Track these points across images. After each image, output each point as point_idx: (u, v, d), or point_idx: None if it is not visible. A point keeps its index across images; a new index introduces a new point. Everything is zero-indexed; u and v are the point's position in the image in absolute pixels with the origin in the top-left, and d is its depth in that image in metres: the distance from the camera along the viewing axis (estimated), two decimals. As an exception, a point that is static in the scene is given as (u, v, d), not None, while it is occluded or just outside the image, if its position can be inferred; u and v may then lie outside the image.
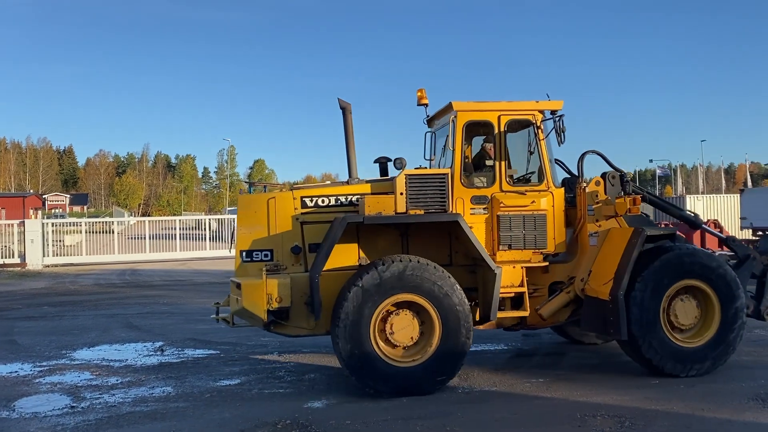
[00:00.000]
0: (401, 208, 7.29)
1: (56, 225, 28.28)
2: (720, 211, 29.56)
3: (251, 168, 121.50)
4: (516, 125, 7.99)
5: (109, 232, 29.86)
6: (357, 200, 7.51)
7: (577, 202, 7.98)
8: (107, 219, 35.09)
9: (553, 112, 7.83)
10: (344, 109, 8.06)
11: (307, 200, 7.56)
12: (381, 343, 6.87)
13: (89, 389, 7.49)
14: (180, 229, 28.77)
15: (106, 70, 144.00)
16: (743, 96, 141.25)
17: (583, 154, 8.27)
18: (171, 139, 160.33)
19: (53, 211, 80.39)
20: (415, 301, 6.89)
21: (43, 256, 25.68)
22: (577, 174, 8.19)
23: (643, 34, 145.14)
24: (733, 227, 26.15)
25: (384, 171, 8.14)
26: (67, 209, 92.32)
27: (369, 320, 6.76)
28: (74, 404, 6.89)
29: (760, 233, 20.23)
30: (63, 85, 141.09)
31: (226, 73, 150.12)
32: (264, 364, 8.61)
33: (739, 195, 27.80)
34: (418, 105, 8.48)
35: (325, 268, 7.14)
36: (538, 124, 7.82)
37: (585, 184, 8.01)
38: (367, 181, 7.80)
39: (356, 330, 6.73)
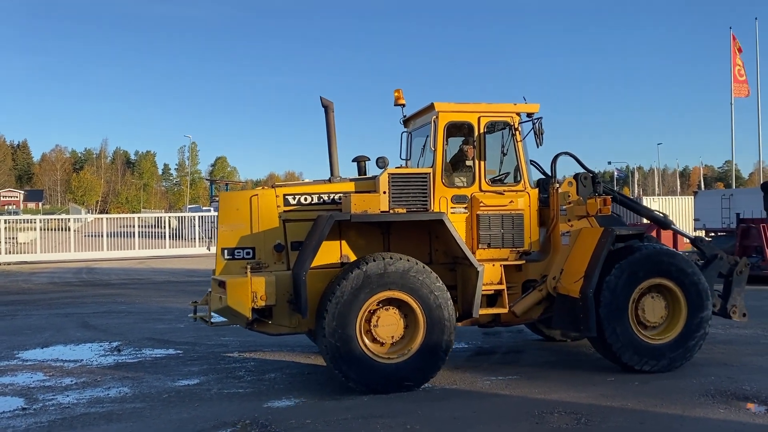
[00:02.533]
0: (384, 207, 7.37)
1: (9, 222, 27.47)
2: (675, 212, 30.35)
3: (213, 165, 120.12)
4: (494, 127, 8.13)
5: (66, 230, 29.16)
6: (340, 198, 7.56)
7: (551, 203, 8.18)
8: (63, 216, 34.24)
9: (529, 115, 8.04)
10: (326, 108, 8.05)
11: (290, 198, 7.58)
12: (366, 340, 6.92)
13: (42, 390, 7.30)
14: (139, 226, 28.25)
15: (64, 62, 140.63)
16: (698, 100, 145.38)
17: (557, 156, 8.49)
18: (130, 135, 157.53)
19: (6, 207, 78.04)
20: (405, 300, 6.96)
21: (-5, 253, 24.91)
22: (550, 175, 8.40)
23: (602, 33, 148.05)
24: (687, 228, 26.86)
25: (362, 170, 8.16)
26: (21, 206, 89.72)
27: (358, 312, 6.81)
28: (26, 406, 6.71)
29: (713, 234, 20.82)
30: (17, 76, 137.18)
31: (188, 68, 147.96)
32: (224, 364, 8.52)
33: (693, 197, 28.60)
34: (395, 105, 8.55)
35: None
36: (516, 126, 8.00)
37: (558, 185, 8.20)
38: (351, 180, 7.83)
39: (344, 320, 6.76)
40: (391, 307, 7.02)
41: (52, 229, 28.77)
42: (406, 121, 8.90)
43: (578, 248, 7.84)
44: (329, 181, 7.87)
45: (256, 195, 7.55)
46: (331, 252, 7.49)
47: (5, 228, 26.07)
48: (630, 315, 7.54)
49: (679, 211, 30.69)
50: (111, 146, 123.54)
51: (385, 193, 7.41)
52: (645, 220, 9.69)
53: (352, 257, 7.47)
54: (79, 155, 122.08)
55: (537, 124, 7.83)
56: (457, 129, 8.08)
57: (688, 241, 9.32)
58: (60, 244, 27.26)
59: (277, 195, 7.56)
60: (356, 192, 7.52)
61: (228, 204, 7.58)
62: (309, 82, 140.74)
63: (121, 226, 30.80)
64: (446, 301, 7.07)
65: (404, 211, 7.39)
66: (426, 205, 7.50)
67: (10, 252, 25.99)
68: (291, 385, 7.42)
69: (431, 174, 7.61)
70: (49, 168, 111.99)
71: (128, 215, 32.44)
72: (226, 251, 7.39)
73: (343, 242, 7.58)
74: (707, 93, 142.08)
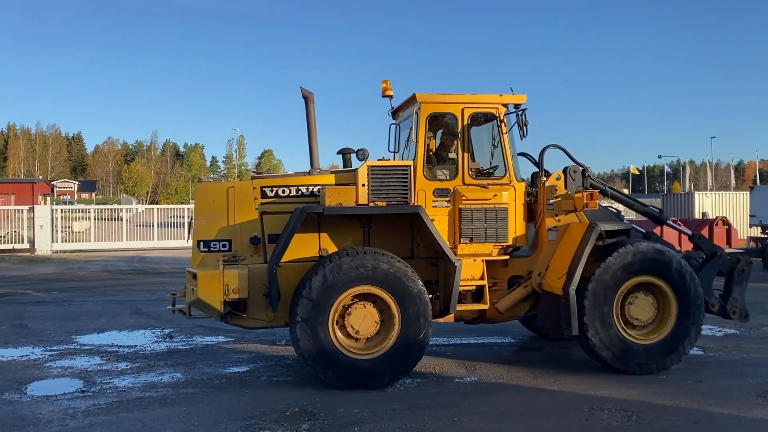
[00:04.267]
0: (363, 200, 7.22)
1: (65, 211, 28.45)
2: (729, 208, 29.43)
3: (260, 158, 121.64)
4: (480, 118, 7.99)
5: (118, 219, 30.01)
6: (319, 191, 7.39)
7: (538, 197, 7.96)
8: (115, 206, 35.22)
9: (516, 106, 7.76)
10: (306, 99, 7.96)
11: (267, 190, 7.45)
12: (339, 335, 6.84)
13: (99, 374, 7.56)
14: (188, 217, 28.82)
15: (116, 57, 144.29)
16: (754, 93, 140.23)
17: (544, 148, 8.22)
18: (179, 128, 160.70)
19: (62, 197, 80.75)
20: (379, 295, 6.84)
21: (52, 242, 25.87)
22: (541, 168, 8.17)
23: (655, 29, 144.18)
24: (741, 225, 26.03)
25: (347, 162, 8.06)
26: (76, 196, 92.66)
27: (331, 306, 6.71)
28: (85, 388, 6.96)
29: (770, 231, 20.11)
30: (73, 71, 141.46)
31: (236, 61, 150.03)
32: (272, 352, 8.67)
33: (748, 192, 27.65)
34: (383, 96, 8.31)
35: (284, 260, 7.11)
36: (501, 118, 7.79)
37: (545, 179, 7.98)
38: (332, 172, 7.76)
39: (316, 315, 6.66)
40: (366, 303, 6.90)
41: (104, 219, 29.64)
42: (395, 113, 8.71)
43: (564, 244, 7.56)
44: (309, 173, 7.79)
45: (233, 187, 7.52)
46: (310, 245, 7.39)
47: (61, 217, 27.01)
48: (615, 314, 7.26)
49: (734, 206, 29.73)
50: (161, 139, 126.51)
51: (364, 185, 7.25)
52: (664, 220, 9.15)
53: (331, 251, 7.31)
54: (131, 147, 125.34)
55: (521, 116, 7.62)
56: (441, 120, 7.95)
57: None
58: (112, 234, 28.09)
59: (254, 187, 7.45)
60: (332, 184, 7.39)
61: (204, 196, 7.53)
62: (357, 76, 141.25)
63: (170, 217, 31.51)
64: (422, 296, 6.89)
65: (384, 204, 7.24)
66: (406, 198, 7.31)
67: (65, 240, 26.92)
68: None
69: (412, 167, 7.44)
70: (101, 159, 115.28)
71: (178, 206, 33.12)
72: (202, 243, 7.32)
73: (323, 235, 7.45)
74: (764, 84, 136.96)
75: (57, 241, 26.24)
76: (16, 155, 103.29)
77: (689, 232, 8.71)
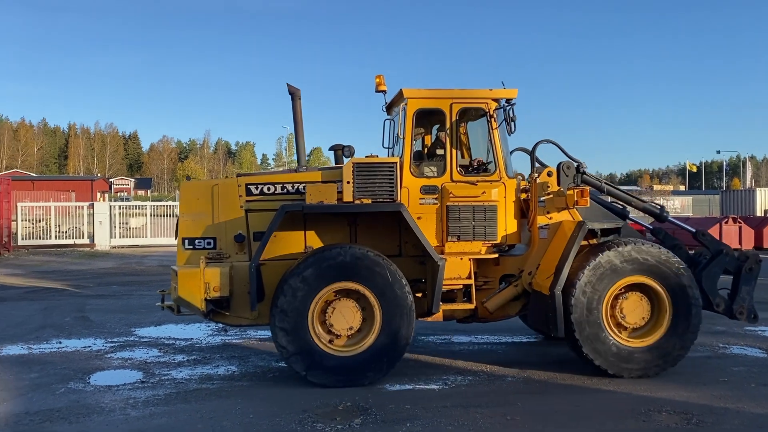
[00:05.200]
0: (348, 197, 7.14)
1: (122, 208, 29.34)
2: (793, 205, 28.22)
3: (309, 156, 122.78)
4: (469, 114, 7.81)
5: (173, 216, 30.78)
6: (305, 188, 7.31)
7: (531, 194, 7.76)
8: (170, 203, 36.12)
9: (508, 101, 7.56)
10: (293, 95, 7.88)
11: (252, 188, 7.42)
12: (321, 331, 6.77)
13: (158, 365, 7.78)
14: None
15: (170, 58, 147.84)
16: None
17: (537, 144, 7.99)
18: (231, 126, 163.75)
19: (119, 194, 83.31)
20: (361, 291, 6.77)
21: (110, 237, 26.74)
22: (543, 164, 7.95)
23: (715, 22, 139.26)
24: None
25: (339, 159, 7.95)
26: (132, 193, 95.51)
27: (310, 303, 6.66)
28: (144, 379, 7.18)
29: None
30: (129, 72, 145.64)
31: (285, 60, 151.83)
32: (323, 348, 8.73)
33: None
34: (377, 92, 8.11)
35: (270, 257, 7.11)
36: (491, 113, 7.61)
37: (536, 175, 7.76)
38: (319, 169, 7.70)
39: (296, 312, 6.61)
40: (348, 299, 6.82)
41: (159, 215, 30.43)
42: (389, 108, 8.56)
43: (555, 242, 7.33)
44: (296, 170, 7.71)
45: (218, 185, 7.52)
46: (296, 243, 7.36)
47: (119, 213, 27.88)
48: (604, 315, 7.01)
49: (798, 203, 28.48)
50: (213, 137, 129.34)
51: (349, 183, 7.15)
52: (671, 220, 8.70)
53: None
54: (184, 145, 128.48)
55: (509, 111, 7.44)
56: (429, 116, 7.80)
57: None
58: (168, 229, 28.79)
59: (239, 185, 7.43)
60: (314, 182, 7.32)
61: (189, 193, 7.51)
62: (409, 73, 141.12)
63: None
64: (405, 294, 6.78)
65: (369, 201, 7.13)
66: (392, 195, 7.19)
67: (123, 236, 27.80)
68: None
69: (398, 163, 7.31)
70: (156, 157, 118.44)
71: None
72: (186, 241, 7.34)
73: (309, 233, 7.41)
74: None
75: (115, 237, 27.11)
76: (76, 154, 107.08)
77: (692, 229, 8.35)
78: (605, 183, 8.13)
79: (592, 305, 6.97)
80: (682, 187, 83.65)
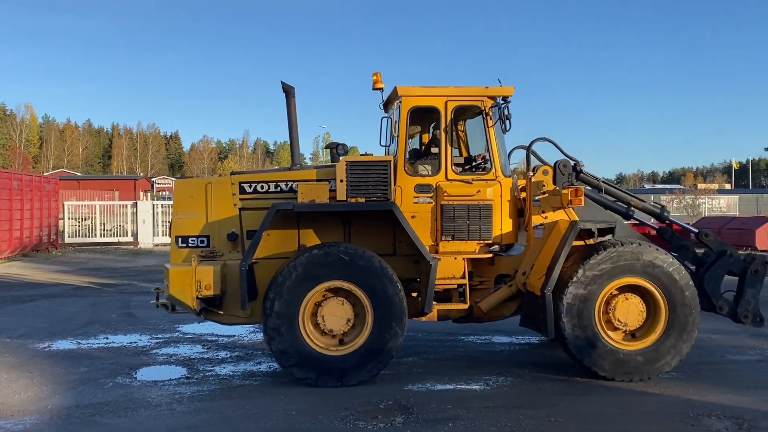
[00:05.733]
0: (342, 196, 7.09)
1: (164, 206, 29.95)
2: None
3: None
4: (466, 112, 7.66)
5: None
6: (297, 187, 7.29)
7: (526, 193, 7.61)
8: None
9: (504, 99, 7.44)
10: (287, 93, 7.84)
11: (246, 186, 7.40)
12: (311, 330, 6.75)
13: (202, 362, 7.91)
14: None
15: (211, 60, 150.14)
16: None
17: (532, 142, 7.82)
18: (269, 126, 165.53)
19: (161, 193, 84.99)
20: (352, 290, 6.74)
21: (153, 235, 27.31)
22: (544, 162, 7.78)
23: (753, 20, 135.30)
24: None
25: (335, 157, 7.86)
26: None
27: (301, 301, 6.64)
28: (189, 375, 7.31)
29: None
30: (171, 73, 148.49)
31: (322, 61, 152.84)
32: (363, 346, 8.76)
33: None
34: (374, 89, 8.02)
35: (264, 256, 7.12)
36: (487, 111, 7.47)
37: (532, 174, 7.60)
38: (314, 168, 7.66)
39: (287, 310, 6.60)
40: (339, 298, 6.77)
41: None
42: (386, 106, 8.45)
43: (550, 242, 7.20)
44: (290, 168, 7.66)
45: (211, 183, 7.50)
46: (290, 242, 7.33)
47: (161, 212, 28.45)
48: (596, 317, 6.87)
49: None
50: (252, 137, 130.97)
51: (342, 181, 7.09)
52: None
53: None
54: (224, 145, 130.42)
55: (503, 109, 7.31)
56: (424, 114, 7.68)
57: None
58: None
59: (233, 183, 7.41)
60: (307, 180, 7.29)
61: (183, 192, 7.52)
62: (440, 71, 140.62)
63: (262, 212, 32.49)
64: (396, 293, 6.72)
65: (363, 200, 7.06)
66: (386, 194, 7.11)
67: (165, 234, 28.32)
68: (430, 371, 7.49)
69: (392, 162, 7.23)
70: (197, 157, 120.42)
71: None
72: (180, 239, 7.34)
73: (302, 232, 7.37)
74: None
75: (158, 235, 27.67)
76: (119, 153, 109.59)
77: (695, 229, 8.14)
78: (603, 182, 7.99)
79: (583, 306, 6.85)
80: (727, 186, 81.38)
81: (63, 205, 27.02)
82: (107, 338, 9.27)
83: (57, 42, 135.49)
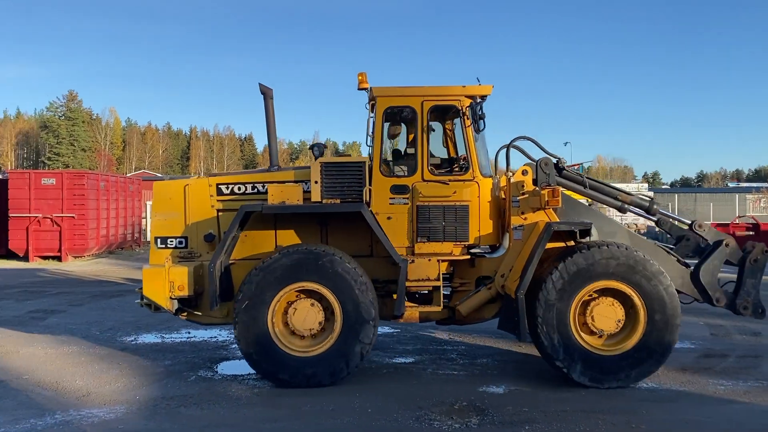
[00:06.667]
0: (316, 197, 7.07)
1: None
2: None
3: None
4: (443, 111, 7.46)
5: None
6: (268, 188, 7.27)
7: (505, 194, 7.34)
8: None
9: (482, 98, 7.23)
10: (265, 95, 7.83)
11: (223, 188, 7.43)
12: (282, 331, 6.76)
13: (278, 357, 8.09)
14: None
15: (280, 64, 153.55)
16: None
17: (512, 141, 7.54)
18: (338, 127, 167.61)
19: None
20: (321, 292, 6.71)
21: (230, 234, 28.11)
22: (532, 160, 7.49)
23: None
24: None
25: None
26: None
27: (270, 302, 6.66)
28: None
29: None
30: (244, 76, 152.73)
31: (390, 59, 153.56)
32: (435, 345, 8.78)
33: None
34: (359, 89, 7.83)
35: (241, 257, 7.17)
36: (464, 111, 7.23)
37: (511, 174, 7.31)
38: (292, 169, 7.61)
39: (256, 311, 6.63)
40: (309, 299, 6.74)
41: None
42: (372, 106, 8.23)
43: (528, 244, 6.99)
44: (269, 170, 7.62)
45: (189, 184, 7.53)
46: (266, 243, 7.31)
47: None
48: (572, 321, 6.66)
49: None
50: (322, 138, 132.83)
51: (317, 182, 7.06)
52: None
53: None
54: (295, 146, 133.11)
55: (476, 108, 7.06)
56: (400, 114, 7.50)
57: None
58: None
59: (211, 184, 7.44)
60: (283, 182, 7.27)
61: (161, 193, 7.57)
62: (507, 68, 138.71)
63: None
64: (367, 294, 6.64)
65: (338, 201, 7.03)
66: (361, 195, 7.04)
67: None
68: (504, 372, 7.42)
69: (366, 163, 7.11)
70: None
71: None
72: (159, 240, 7.42)
73: (279, 233, 7.35)
74: None
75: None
76: (196, 155, 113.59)
77: (687, 221, 7.76)
78: (587, 178, 7.77)
79: (557, 310, 6.67)
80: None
81: (145, 204, 28.24)
82: (189, 333, 9.63)
83: (139, 48, 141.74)
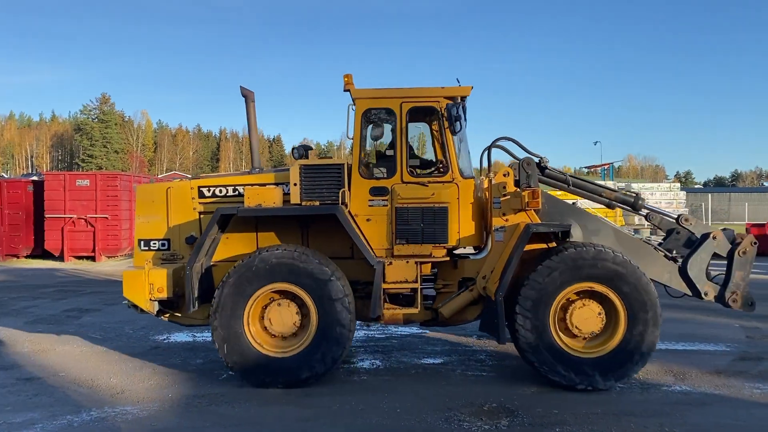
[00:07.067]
0: (296, 199, 7.07)
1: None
2: None
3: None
4: (423, 113, 7.43)
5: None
6: (245, 191, 7.28)
7: (487, 195, 7.27)
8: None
9: (463, 99, 7.18)
10: (246, 98, 7.85)
11: (205, 190, 7.47)
12: (258, 331, 6.81)
13: (307, 357, 8.15)
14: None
15: (309, 64, 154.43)
16: None
17: (493, 142, 7.48)
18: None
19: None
20: (298, 294, 6.74)
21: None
22: (516, 159, 7.42)
23: None
24: None
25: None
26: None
27: (246, 303, 6.71)
28: (296, 369, 7.55)
29: None
30: (273, 79, 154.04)
31: (419, 60, 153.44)
32: (463, 346, 8.75)
33: None
34: (344, 91, 7.73)
35: (223, 258, 7.28)
36: (443, 112, 7.16)
37: (492, 175, 7.22)
38: (273, 171, 7.60)
39: (231, 311, 6.69)
40: (285, 300, 6.78)
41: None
42: None
43: (509, 246, 6.94)
44: (250, 172, 7.63)
45: (171, 187, 7.56)
46: (248, 245, 7.35)
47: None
48: (551, 323, 6.63)
49: None
50: (349, 139, 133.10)
51: (296, 185, 7.07)
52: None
53: None
54: (323, 147, 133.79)
55: (452, 109, 7.03)
56: (379, 116, 7.43)
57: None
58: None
59: (192, 187, 7.48)
60: (262, 184, 7.30)
61: (144, 196, 7.62)
62: (533, 66, 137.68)
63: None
64: (341, 297, 6.64)
65: (318, 203, 7.03)
66: (340, 197, 7.02)
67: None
68: (533, 373, 7.30)
69: (345, 165, 7.10)
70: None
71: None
72: (142, 242, 7.50)
73: (261, 235, 7.39)
74: None
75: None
76: (226, 156, 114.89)
77: (672, 215, 7.63)
78: (570, 176, 7.72)
79: (536, 312, 6.62)
80: None
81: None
82: (219, 332, 9.73)
83: (170, 51, 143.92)
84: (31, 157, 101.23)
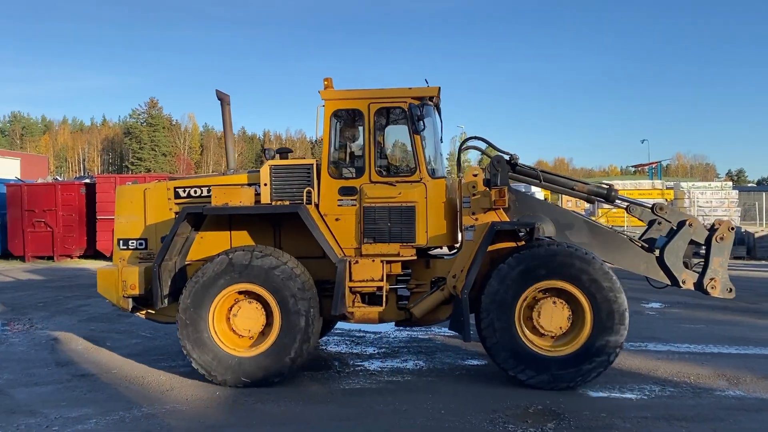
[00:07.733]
0: (266, 199, 7.18)
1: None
2: None
3: (482, 155, 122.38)
4: (388, 113, 7.41)
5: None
6: (212, 190, 7.34)
7: (457, 195, 7.34)
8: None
9: (431, 99, 7.19)
10: (222, 101, 7.91)
11: (180, 191, 7.60)
12: (222, 329, 6.89)
13: (351, 356, 8.21)
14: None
15: (353, 64, 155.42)
16: None
17: (463, 143, 7.44)
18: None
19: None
20: (262, 294, 6.80)
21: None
22: (490, 157, 7.30)
23: None
24: None
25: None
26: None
27: (212, 299, 6.82)
28: (340, 369, 7.61)
29: None
30: (310, 81, 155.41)
31: (445, 60, 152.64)
32: (509, 348, 8.65)
33: None
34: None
35: (197, 258, 7.39)
36: (408, 112, 7.16)
37: (462, 175, 7.26)
38: (247, 172, 7.62)
39: (197, 307, 6.81)
40: (251, 300, 6.87)
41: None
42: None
43: (477, 244, 6.88)
44: (224, 173, 7.66)
45: (149, 188, 7.68)
46: (222, 245, 7.39)
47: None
48: (516, 322, 6.63)
49: None
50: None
51: (266, 185, 7.17)
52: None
53: None
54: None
55: (416, 108, 7.08)
56: (347, 117, 7.41)
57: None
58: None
59: (168, 188, 7.60)
60: (233, 185, 7.37)
61: (124, 197, 7.78)
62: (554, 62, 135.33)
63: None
64: (302, 296, 6.72)
65: (288, 203, 7.08)
66: (308, 197, 7.12)
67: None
68: (580, 376, 7.23)
69: (314, 165, 7.18)
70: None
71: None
72: (121, 242, 7.68)
73: (234, 235, 7.46)
74: None
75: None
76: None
77: (648, 204, 7.44)
78: (541, 171, 7.60)
79: (501, 310, 6.61)
80: None
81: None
82: (264, 331, 9.86)
83: (216, 55, 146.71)
84: (83, 160, 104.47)
